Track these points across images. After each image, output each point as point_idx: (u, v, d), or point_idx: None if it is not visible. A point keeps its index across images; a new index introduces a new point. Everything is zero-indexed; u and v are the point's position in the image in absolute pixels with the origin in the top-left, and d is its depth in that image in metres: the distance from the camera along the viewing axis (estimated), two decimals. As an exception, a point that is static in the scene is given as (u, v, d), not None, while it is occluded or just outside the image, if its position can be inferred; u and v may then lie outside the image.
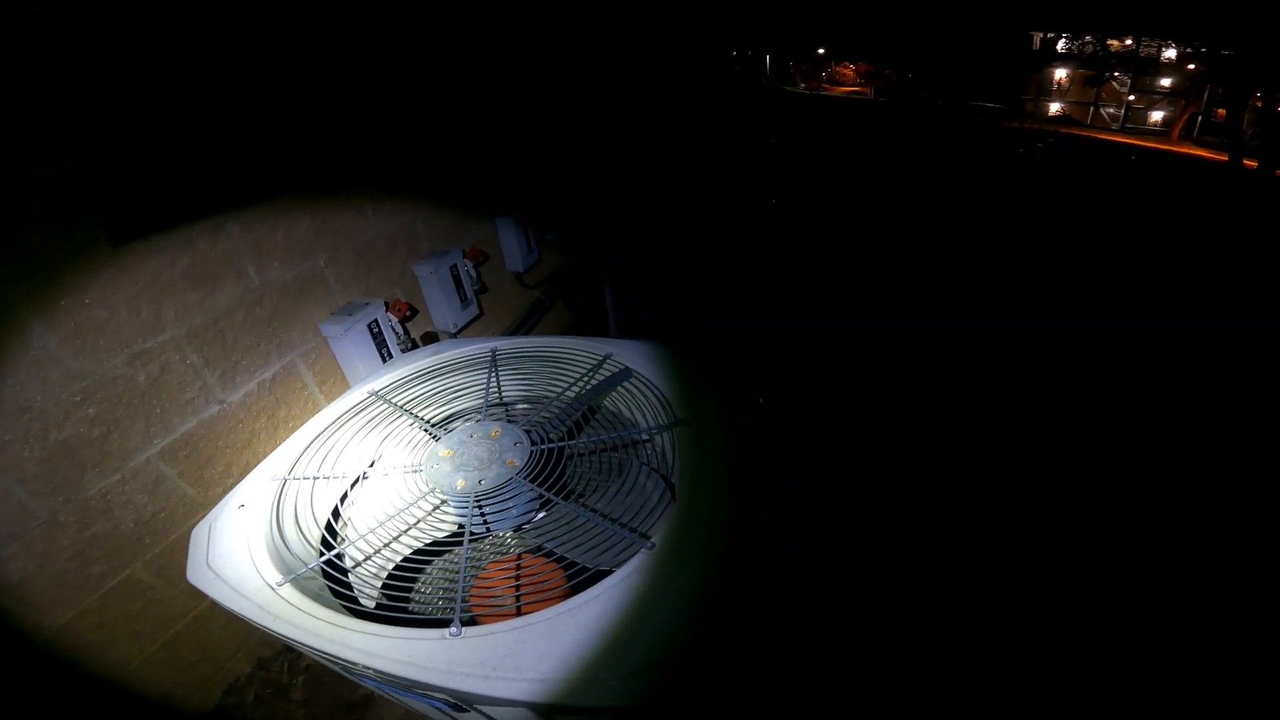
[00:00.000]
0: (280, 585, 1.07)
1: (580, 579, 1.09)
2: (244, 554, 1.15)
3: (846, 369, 3.27)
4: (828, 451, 2.64)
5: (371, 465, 1.41)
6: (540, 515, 1.27)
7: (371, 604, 1.11)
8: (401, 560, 1.23)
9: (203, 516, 1.71)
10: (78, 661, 1.54)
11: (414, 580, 1.23)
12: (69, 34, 1.32)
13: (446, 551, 1.29)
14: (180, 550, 1.69)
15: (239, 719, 1.83)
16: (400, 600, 1.09)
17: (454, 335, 2.54)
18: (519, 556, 1.24)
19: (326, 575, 1.15)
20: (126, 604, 1.62)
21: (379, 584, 1.20)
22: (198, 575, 1.15)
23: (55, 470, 1.44)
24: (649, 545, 1.05)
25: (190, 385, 1.68)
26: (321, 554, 1.20)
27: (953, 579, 2.09)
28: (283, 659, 1.99)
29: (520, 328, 3.08)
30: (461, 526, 1.24)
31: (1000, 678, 1.81)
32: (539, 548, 1.24)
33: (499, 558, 1.26)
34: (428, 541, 1.26)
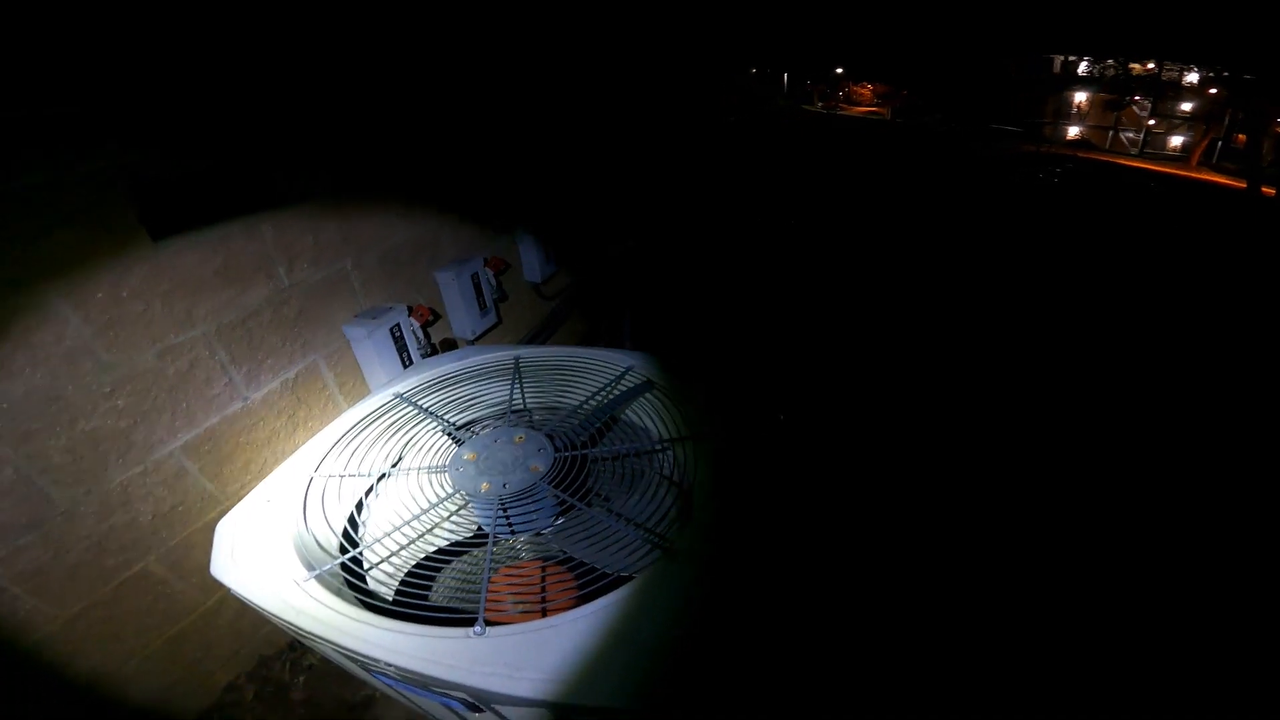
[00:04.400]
0: (305, 581, 1.08)
1: (599, 584, 1.09)
2: (270, 549, 1.16)
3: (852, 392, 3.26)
4: (836, 466, 2.64)
5: (394, 465, 1.42)
6: (561, 520, 1.27)
7: (392, 601, 1.11)
8: (423, 559, 1.24)
9: (219, 512, 1.74)
10: (82, 653, 1.55)
11: (433, 579, 1.23)
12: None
13: (466, 553, 1.30)
14: (194, 546, 1.74)
15: (238, 718, 1.83)
16: (420, 599, 1.09)
17: (472, 342, 2.56)
18: (541, 560, 1.25)
19: (347, 571, 1.16)
20: (137, 598, 1.64)
21: (398, 582, 1.20)
22: (222, 569, 1.16)
23: (80, 461, 1.46)
24: (671, 551, 1.05)
25: (216, 381, 1.70)
26: (345, 550, 1.21)
27: (956, 578, 2.07)
28: (285, 658, 1.99)
29: (537, 337, 3.10)
30: (482, 528, 1.25)
31: (1003, 677, 1.78)
32: (560, 551, 1.25)
33: (520, 560, 1.27)
34: (449, 542, 1.27)
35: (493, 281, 2.60)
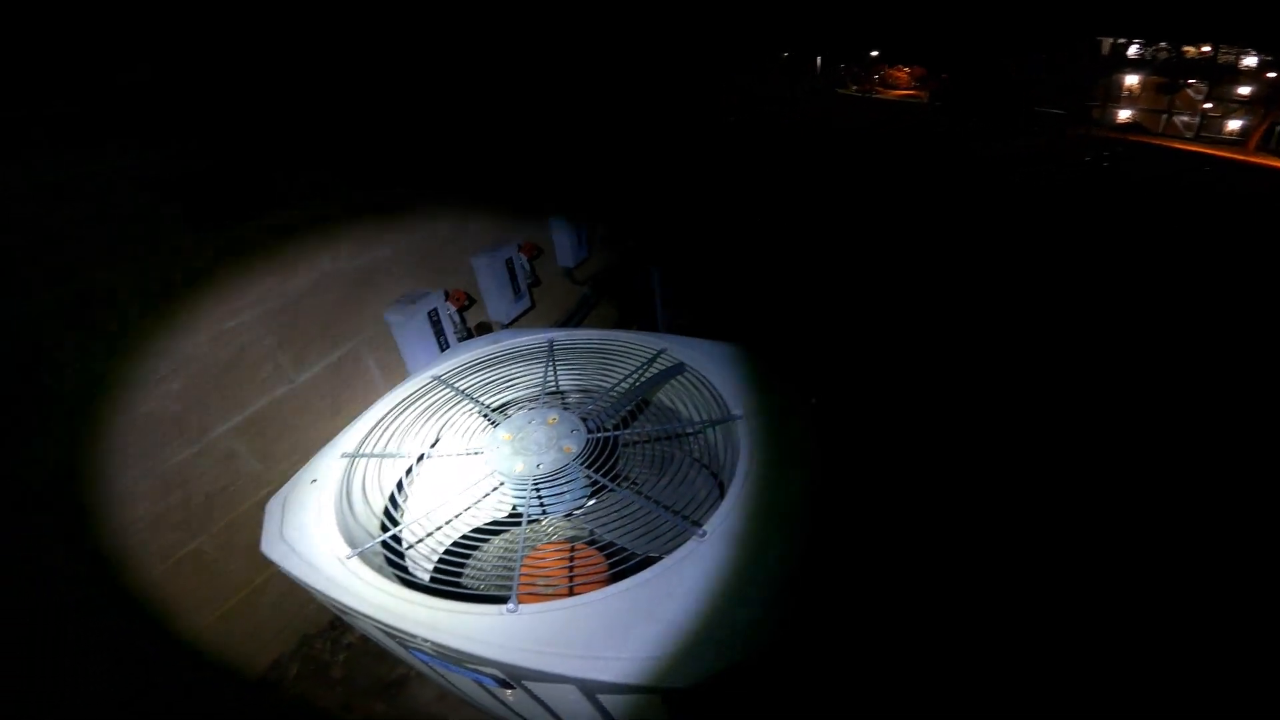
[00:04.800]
0: (348, 558, 1.12)
1: (628, 565, 1.11)
2: (315, 527, 1.20)
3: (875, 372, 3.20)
4: (866, 451, 2.61)
5: (433, 446, 1.46)
6: (592, 501, 1.30)
7: (428, 579, 1.15)
8: (460, 538, 1.28)
9: (267, 492, 1.80)
10: (133, 635, 1.59)
11: (469, 558, 1.27)
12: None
13: (501, 532, 1.34)
14: (243, 525, 1.80)
15: (280, 694, 1.88)
16: (455, 576, 1.13)
17: (506, 326, 2.61)
18: (571, 541, 1.27)
19: (388, 549, 1.20)
20: (188, 577, 1.69)
21: (435, 560, 1.24)
22: (271, 547, 1.21)
23: (137, 443, 1.52)
24: (700, 534, 1.07)
25: (265, 365, 1.77)
26: (385, 529, 1.25)
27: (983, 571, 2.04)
28: (326, 636, 2.04)
29: (570, 321, 3.13)
30: (516, 508, 1.28)
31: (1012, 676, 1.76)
32: (590, 533, 1.27)
33: (552, 540, 1.30)
34: (485, 522, 1.30)
35: (526, 266, 2.63)
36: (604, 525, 1.21)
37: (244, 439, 1.76)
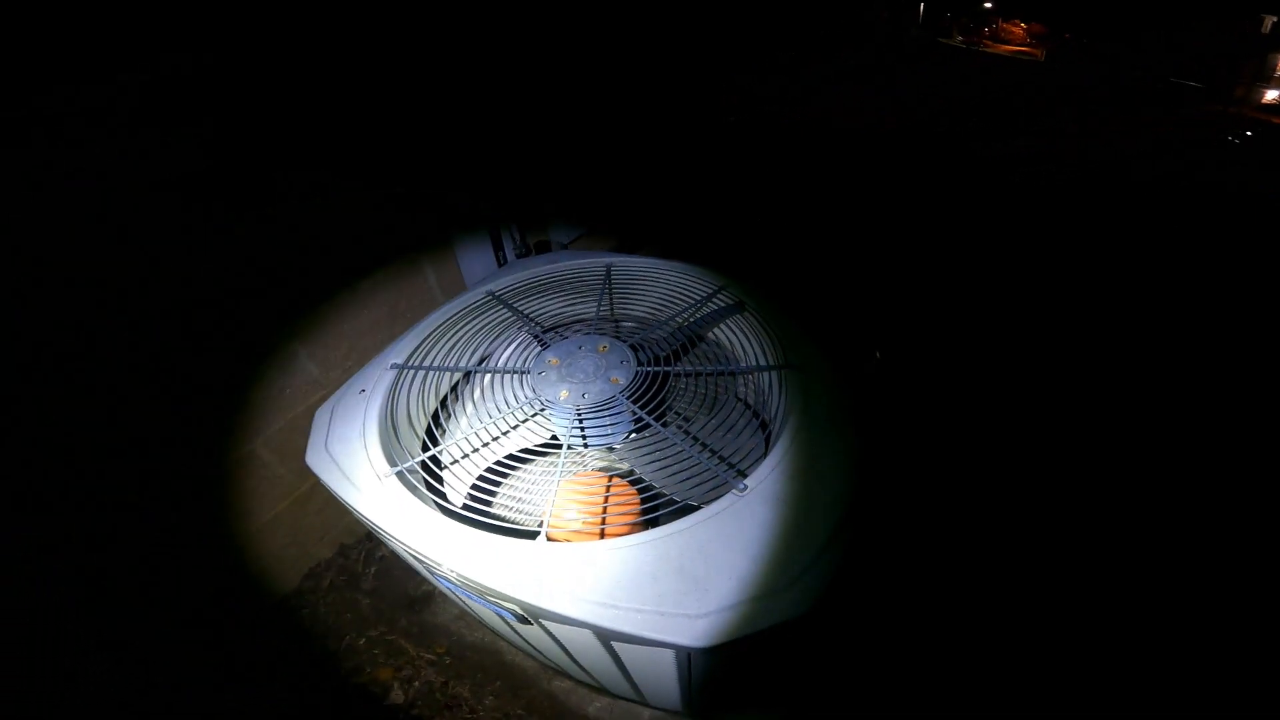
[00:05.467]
0: (385, 477, 1.11)
1: (663, 510, 1.08)
2: (359, 440, 1.19)
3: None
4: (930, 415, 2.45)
5: (481, 363, 1.43)
6: (634, 436, 1.25)
7: (460, 505, 1.13)
8: (495, 462, 1.26)
9: (320, 397, 1.80)
10: (183, 535, 1.60)
11: (501, 484, 1.26)
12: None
13: (538, 458, 1.31)
14: (296, 430, 1.80)
15: (313, 604, 1.91)
16: (488, 503, 1.11)
17: (565, 246, 2.54)
18: (609, 477, 1.24)
19: (426, 470, 1.19)
20: (242, 481, 1.71)
21: (469, 484, 1.23)
22: (316, 458, 1.20)
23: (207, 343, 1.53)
24: (741, 486, 1.00)
25: (327, 267, 1.76)
26: (426, 448, 1.24)
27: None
28: (361, 548, 2.08)
29: (623, 245, 3.01)
30: (556, 437, 1.25)
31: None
32: (629, 471, 1.23)
33: (589, 474, 1.26)
34: (523, 448, 1.28)
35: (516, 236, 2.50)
36: (644, 462, 1.17)
37: (304, 343, 1.77)
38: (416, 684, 1.60)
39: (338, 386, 1.38)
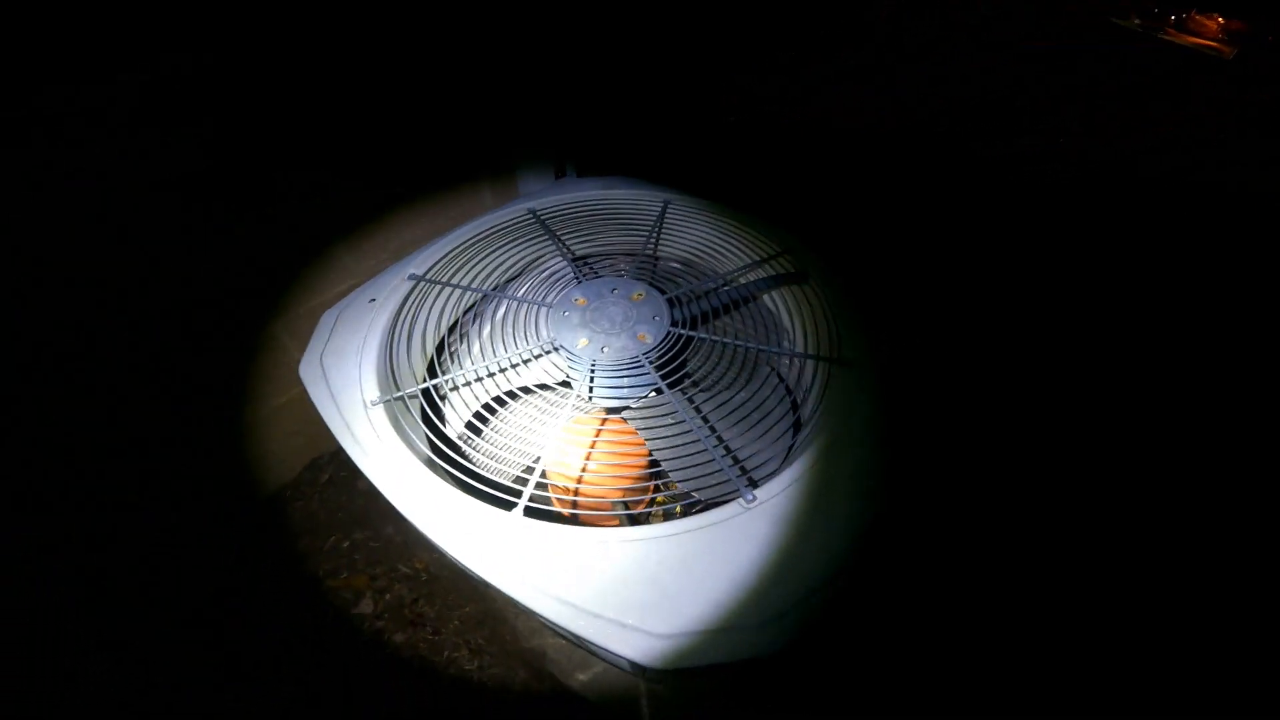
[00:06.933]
0: (373, 405, 1.00)
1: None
2: (354, 356, 1.08)
3: None
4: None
5: (506, 282, 1.30)
6: (651, 395, 1.11)
7: (450, 447, 1.00)
8: (493, 399, 1.14)
9: (349, 286, 1.71)
10: (193, 411, 1.57)
11: (493, 421, 1.14)
12: None
13: (537, 395, 1.19)
14: (315, 317, 1.74)
15: (307, 497, 1.84)
16: (472, 445, 0.99)
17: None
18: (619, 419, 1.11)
19: (426, 397, 1.08)
20: (259, 361, 1.66)
21: (464, 421, 1.12)
22: (308, 368, 1.10)
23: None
24: (750, 497, 0.85)
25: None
26: (425, 378, 1.13)
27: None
28: None
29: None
30: (564, 384, 1.12)
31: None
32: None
33: (588, 435, 1.13)
34: (527, 384, 1.16)
35: None
36: (651, 432, 1.03)
37: (340, 228, 1.67)
38: (388, 596, 1.57)
39: (364, 280, 1.28)
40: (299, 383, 1.72)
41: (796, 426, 1.06)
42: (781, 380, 1.17)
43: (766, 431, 1.05)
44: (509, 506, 0.85)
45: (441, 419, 1.05)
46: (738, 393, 1.12)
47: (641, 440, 1.07)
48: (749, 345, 1.10)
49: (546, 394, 1.17)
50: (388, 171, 1.70)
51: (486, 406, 1.15)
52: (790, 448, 1.03)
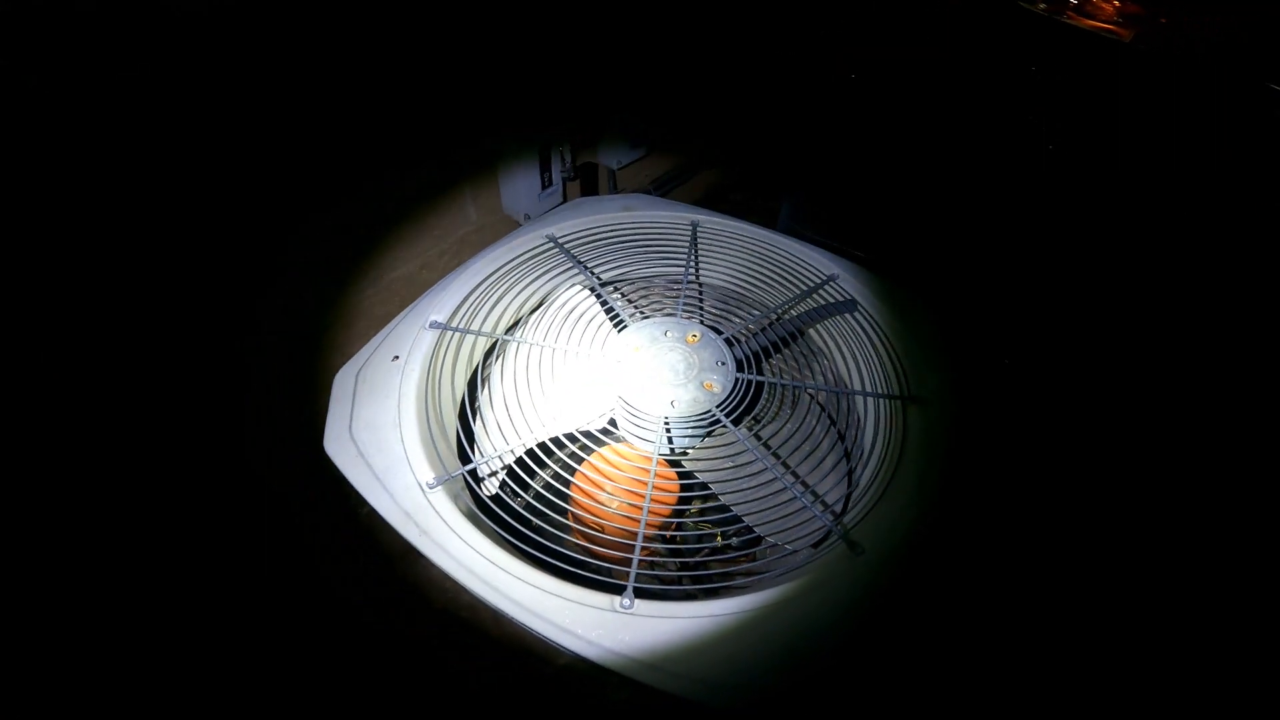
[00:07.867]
0: (431, 488, 0.87)
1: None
2: (392, 430, 0.93)
3: None
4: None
5: (541, 325, 1.19)
6: (707, 441, 1.05)
7: (524, 531, 0.89)
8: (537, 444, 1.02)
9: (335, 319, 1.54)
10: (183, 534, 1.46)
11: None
12: None
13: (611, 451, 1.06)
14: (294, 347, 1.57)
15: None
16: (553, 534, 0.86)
17: (617, 170, 2.21)
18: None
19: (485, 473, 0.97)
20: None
21: (529, 494, 0.98)
22: (337, 443, 0.93)
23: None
24: (849, 541, 0.81)
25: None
26: (476, 451, 0.99)
27: None
28: None
29: (677, 179, 2.65)
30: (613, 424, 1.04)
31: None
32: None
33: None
34: (572, 429, 1.04)
35: (567, 157, 2.12)
36: (719, 477, 0.97)
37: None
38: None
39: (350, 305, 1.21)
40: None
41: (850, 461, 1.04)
42: (830, 418, 1.13)
43: (832, 470, 1.01)
44: (618, 590, 0.77)
45: (511, 493, 0.95)
46: (792, 420, 1.08)
47: (673, 474, 1.01)
48: (822, 388, 1.06)
49: (620, 447, 1.06)
50: (355, 186, 1.51)
51: (539, 462, 1.05)
52: (845, 483, 1.01)
